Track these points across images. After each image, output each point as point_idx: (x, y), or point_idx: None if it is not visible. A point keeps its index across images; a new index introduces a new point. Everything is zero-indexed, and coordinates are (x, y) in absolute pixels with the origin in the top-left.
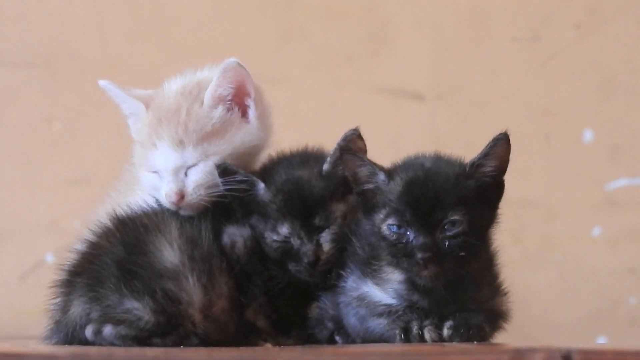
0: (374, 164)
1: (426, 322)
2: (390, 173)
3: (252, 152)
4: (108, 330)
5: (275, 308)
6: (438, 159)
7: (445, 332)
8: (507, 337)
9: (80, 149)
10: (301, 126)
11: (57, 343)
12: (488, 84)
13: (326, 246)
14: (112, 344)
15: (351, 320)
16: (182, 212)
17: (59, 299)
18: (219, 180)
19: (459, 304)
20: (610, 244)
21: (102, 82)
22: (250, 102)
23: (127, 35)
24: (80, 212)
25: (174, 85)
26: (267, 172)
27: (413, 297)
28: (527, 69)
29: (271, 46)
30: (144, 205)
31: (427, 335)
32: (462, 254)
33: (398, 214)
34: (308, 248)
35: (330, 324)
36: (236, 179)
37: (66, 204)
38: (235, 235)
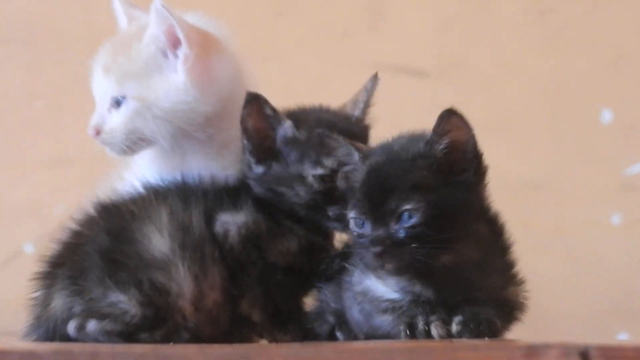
0: (352, 143)
1: (432, 318)
2: (364, 156)
3: (190, 118)
4: (92, 325)
5: (271, 301)
6: (409, 139)
7: (454, 327)
8: (519, 331)
9: (63, 129)
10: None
11: (37, 340)
12: (494, 59)
13: None
14: (97, 340)
15: (355, 315)
16: (106, 149)
17: (38, 292)
18: (143, 126)
19: (465, 292)
20: (630, 231)
21: None
22: (179, 52)
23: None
24: (63, 197)
25: (145, 19)
26: (289, 115)
27: (415, 289)
28: (536, 44)
29: (262, 20)
30: (132, 189)
31: (434, 331)
32: (422, 244)
33: (358, 206)
34: None
35: (331, 319)
36: (264, 111)
37: (48, 188)
38: (229, 223)
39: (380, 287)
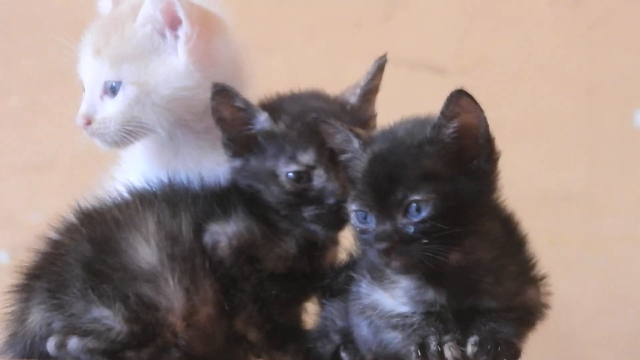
0: (350, 129)
1: (446, 338)
2: (365, 143)
3: (191, 105)
4: (73, 343)
5: (268, 318)
6: (414, 124)
7: (470, 348)
8: (544, 353)
9: (40, 128)
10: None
11: (14, 357)
12: (521, 55)
13: None
14: (79, 359)
15: (363, 330)
16: (95, 142)
17: (15, 307)
18: (141, 115)
19: (477, 299)
20: None
21: None
22: (180, 32)
23: None
24: (41, 203)
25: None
26: (272, 105)
27: (427, 296)
28: (567, 38)
29: (266, 9)
30: (116, 193)
31: (447, 353)
32: (433, 240)
33: (361, 197)
34: (335, 186)
35: (336, 338)
36: (235, 104)
37: (23, 193)
38: (218, 233)
39: (389, 300)
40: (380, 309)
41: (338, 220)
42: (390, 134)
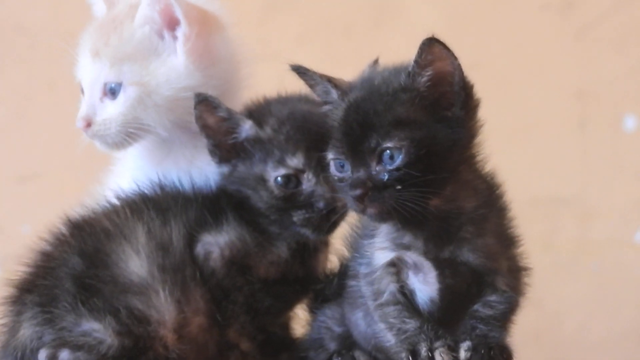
0: (329, 80)
1: (437, 344)
2: (343, 92)
3: (191, 105)
4: (64, 356)
5: (260, 328)
6: (392, 72)
7: (463, 354)
8: (536, 356)
9: (29, 139)
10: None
11: None
12: (512, 60)
13: None
14: None
15: (361, 326)
16: (96, 143)
17: (6, 319)
18: (143, 115)
19: (455, 245)
20: None
21: None
22: (179, 33)
23: (84, 4)
24: (31, 214)
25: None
26: (259, 109)
27: (404, 240)
28: (557, 43)
29: (256, 17)
30: (107, 200)
31: (438, 358)
32: (408, 187)
33: (337, 145)
34: (325, 190)
35: (332, 345)
36: (218, 114)
37: (13, 205)
38: (211, 244)
39: (377, 253)
40: (375, 263)
41: (328, 223)
42: (367, 81)
